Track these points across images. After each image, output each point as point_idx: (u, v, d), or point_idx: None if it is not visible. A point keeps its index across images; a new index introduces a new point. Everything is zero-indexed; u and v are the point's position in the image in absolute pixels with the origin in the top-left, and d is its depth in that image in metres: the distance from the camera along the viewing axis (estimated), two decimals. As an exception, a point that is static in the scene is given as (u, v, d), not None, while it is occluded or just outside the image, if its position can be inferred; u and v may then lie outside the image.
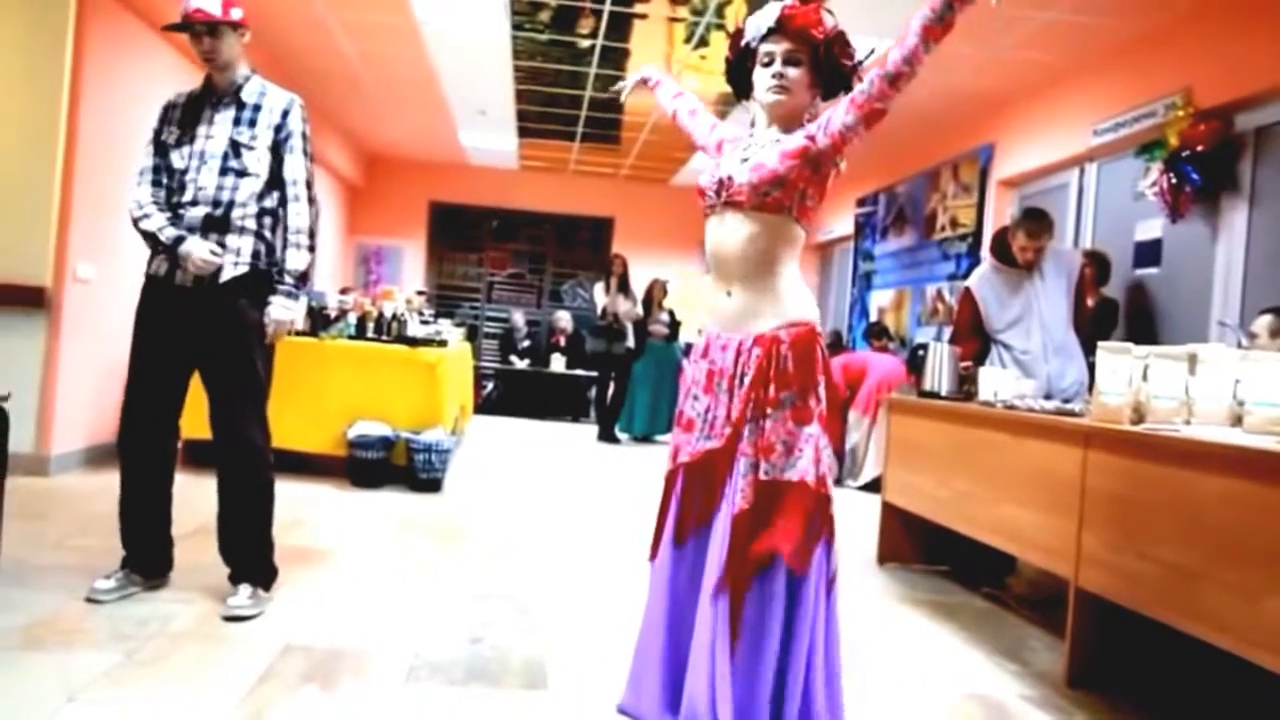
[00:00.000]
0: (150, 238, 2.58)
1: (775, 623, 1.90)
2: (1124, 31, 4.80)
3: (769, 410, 1.93)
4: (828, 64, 1.98)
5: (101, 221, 4.57)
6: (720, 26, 5.37)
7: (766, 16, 2.01)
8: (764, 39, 2.01)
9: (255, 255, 2.65)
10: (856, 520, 4.46)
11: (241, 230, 2.63)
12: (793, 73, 1.98)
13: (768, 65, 2.01)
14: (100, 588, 2.57)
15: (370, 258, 10.44)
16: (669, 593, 2.04)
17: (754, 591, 1.90)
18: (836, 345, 7.38)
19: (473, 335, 9.86)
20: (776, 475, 1.92)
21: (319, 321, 4.97)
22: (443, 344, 5.30)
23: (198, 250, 2.54)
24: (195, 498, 3.01)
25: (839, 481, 6.24)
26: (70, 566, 2.81)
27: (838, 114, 1.91)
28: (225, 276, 2.60)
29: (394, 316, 5.40)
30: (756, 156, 1.99)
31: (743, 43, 2.08)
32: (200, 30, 2.58)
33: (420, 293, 7.68)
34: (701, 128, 2.27)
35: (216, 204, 2.60)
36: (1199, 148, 4.23)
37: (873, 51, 2.04)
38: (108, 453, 4.71)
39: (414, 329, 5.39)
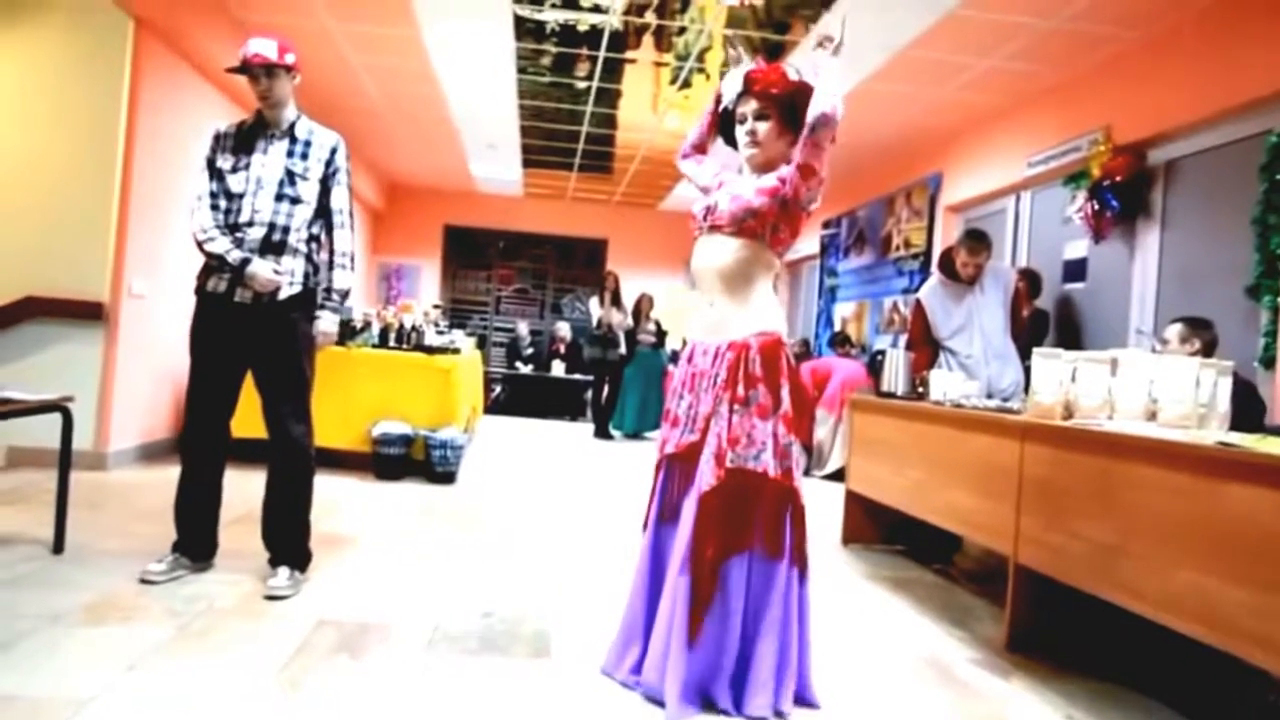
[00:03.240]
0: (217, 259, 2.56)
1: (740, 599, 1.92)
2: (1053, 78, 4.86)
3: (736, 406, 1.96)
4: (794, 114, 2.02)
5: (153, 243, 4.56)
6: (701, 70, 5.39)
7: (737, 81, 2.08)
8: (737, 101, 2.08)
9: (305, 276, 2.66)
10: (822, 506, 4.48)
11: (295, 253, 2.63)
12: (763, 128, 2.05)
13: (742, 123, 2.08)
14: (153, 569, 2.56)
15: (391, 275, 10.40)
16: (651, 567, 2.07)
17: (722, 570, 1.91)
18: (805, 352, 7.40)
19: (482, 344, 9.86)
20: (742, 464, 1.95)
21: (346, 332, 4.96)
22: (456, 352, 5.28)
23: (263, 271, 2.54)
24: (238, 490, 3.00)
25: (806, 471, 6.28)
26: (126, 551, 2.80)
27: (793, 170, 1.96)
28: (283, 295, 2.60)
29: (413, 327, 5.38)
30: (737, 190, 2.06)
31: (721, 106, 2.16)
32: (259, 72, 2.59)
33: (436, 306, 7.63)
34: (705, 174, 2.24)
35: (273, 226, 2.59)
36: (1117, 178, 4.29)
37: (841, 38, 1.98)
38: (158, 450, 4.70)
39: (430, 338, 5.38)
